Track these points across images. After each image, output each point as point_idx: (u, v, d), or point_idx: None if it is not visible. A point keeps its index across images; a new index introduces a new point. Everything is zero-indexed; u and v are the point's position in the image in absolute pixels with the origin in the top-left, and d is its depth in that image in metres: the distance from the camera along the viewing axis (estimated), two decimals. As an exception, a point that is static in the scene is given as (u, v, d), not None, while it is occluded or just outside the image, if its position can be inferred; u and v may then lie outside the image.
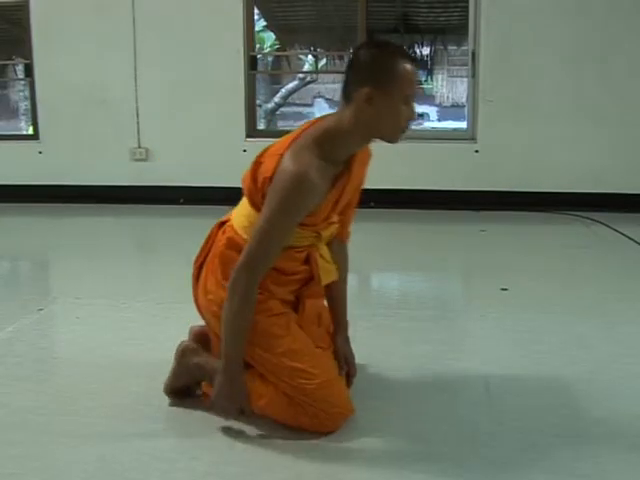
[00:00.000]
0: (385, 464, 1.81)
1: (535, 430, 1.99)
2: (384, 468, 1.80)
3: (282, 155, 1.89)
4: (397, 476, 1.76)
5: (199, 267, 2.15)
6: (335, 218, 2.08)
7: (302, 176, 1.82)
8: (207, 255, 2.13)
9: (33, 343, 2.75)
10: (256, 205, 1.98)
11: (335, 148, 1.92)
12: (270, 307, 2.02)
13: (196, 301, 2.17)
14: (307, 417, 1.94)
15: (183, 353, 2.14)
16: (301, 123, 2.10)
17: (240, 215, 2.07)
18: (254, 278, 1.90)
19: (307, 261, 2.09)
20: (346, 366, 2.19)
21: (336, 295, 2.23)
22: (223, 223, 2.14)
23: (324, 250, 2.12)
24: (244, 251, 1.90)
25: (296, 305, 2.14)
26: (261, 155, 2.01)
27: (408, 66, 1.86)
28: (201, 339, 2.18)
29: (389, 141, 1.93)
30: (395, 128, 1.90)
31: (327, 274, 2.12)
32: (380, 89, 1.84)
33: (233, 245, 2.03)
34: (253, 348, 1.98)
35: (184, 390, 2.16)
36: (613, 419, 2.07)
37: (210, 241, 2.15)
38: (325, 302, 2.25)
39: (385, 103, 1.85)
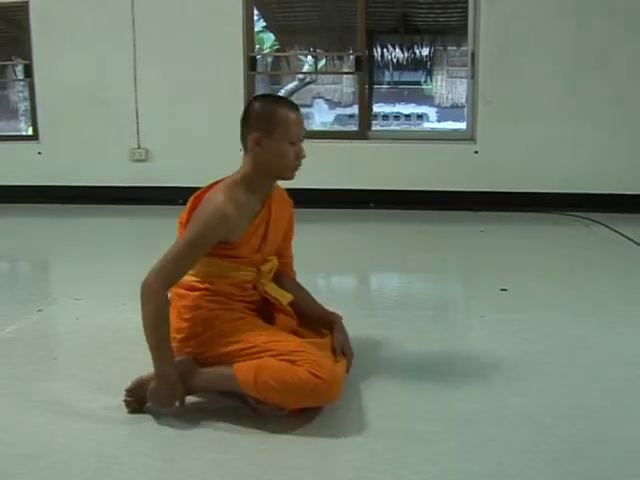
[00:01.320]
0: (384, 464, 1.81)
1: (535, 430, 1.99)
2: (383, 468, 1.80)
3: (200, 201, 2.15)
4: (396, 476, 1.76)
5: None
6: (272, 257, 2.31)
7: (220, 206, 2.08)
8: None
9: (33, 343, 2.75)
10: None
11: (246, 192, 2.17)
12: (227, 315, 2.17)
13: None
14: (303, 395, 1.97)
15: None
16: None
17: None
18: (162, 284, 2.06)
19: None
20: (343, 355, 2.27)
21: (305, 304, 2.38)
22: None
23: (270, 286, 2.30)
24: (158, 260, 2.10)
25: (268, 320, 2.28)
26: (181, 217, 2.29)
27: (288, 112, 2.15)
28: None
29: (284, 178, 2.20)
30: (285, 165, 2.18)
31: (282, 297, 2.31)
32: (266, 133, 2.13)
33: (179, 285, 2.22)
34: (227, 344, 2.10)
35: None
36: (613, 419, 2.07)
37: None
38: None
39: (272, 145, 2.14)
